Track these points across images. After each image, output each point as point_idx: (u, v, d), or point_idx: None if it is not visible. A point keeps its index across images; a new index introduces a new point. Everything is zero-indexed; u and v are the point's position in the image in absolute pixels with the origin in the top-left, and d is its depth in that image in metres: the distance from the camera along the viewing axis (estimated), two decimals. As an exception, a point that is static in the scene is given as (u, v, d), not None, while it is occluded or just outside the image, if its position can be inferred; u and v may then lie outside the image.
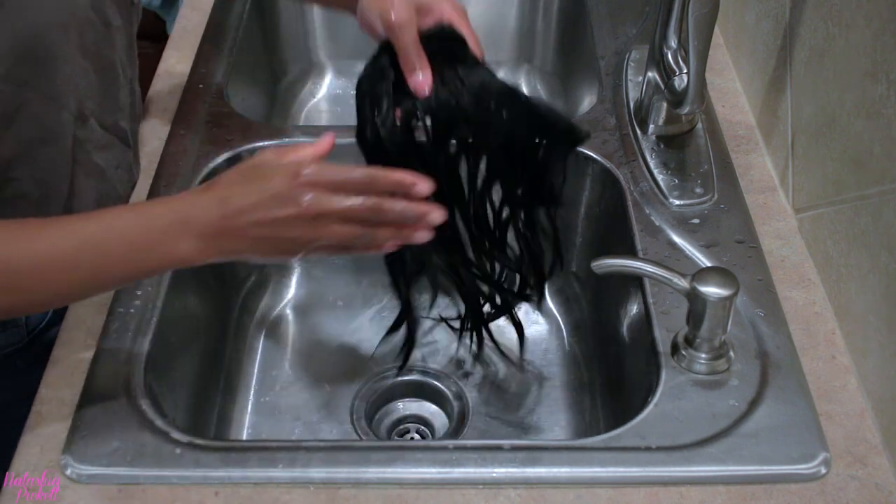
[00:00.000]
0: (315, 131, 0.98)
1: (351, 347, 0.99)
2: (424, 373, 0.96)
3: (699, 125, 0.95)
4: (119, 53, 0.84)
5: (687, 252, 0.84)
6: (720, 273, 0.71)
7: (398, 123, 0.73)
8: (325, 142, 0.68)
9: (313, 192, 0.64)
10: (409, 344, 0.89)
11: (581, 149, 0.94)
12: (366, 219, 0.66)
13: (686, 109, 0.84)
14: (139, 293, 0.80)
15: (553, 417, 0.93)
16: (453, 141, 0.76)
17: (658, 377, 0.74)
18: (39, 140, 0.76)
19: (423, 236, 0.68)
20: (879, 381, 0.72)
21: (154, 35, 1.48)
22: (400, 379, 0.95)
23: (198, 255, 0.64)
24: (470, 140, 0.76)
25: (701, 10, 0.77)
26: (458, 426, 0.93)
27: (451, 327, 0.95)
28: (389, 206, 0.66)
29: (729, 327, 0.73)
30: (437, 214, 0.68)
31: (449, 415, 0.95)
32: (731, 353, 0.75)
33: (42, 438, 0.70)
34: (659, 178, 0.90)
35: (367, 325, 1.02)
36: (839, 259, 0.79)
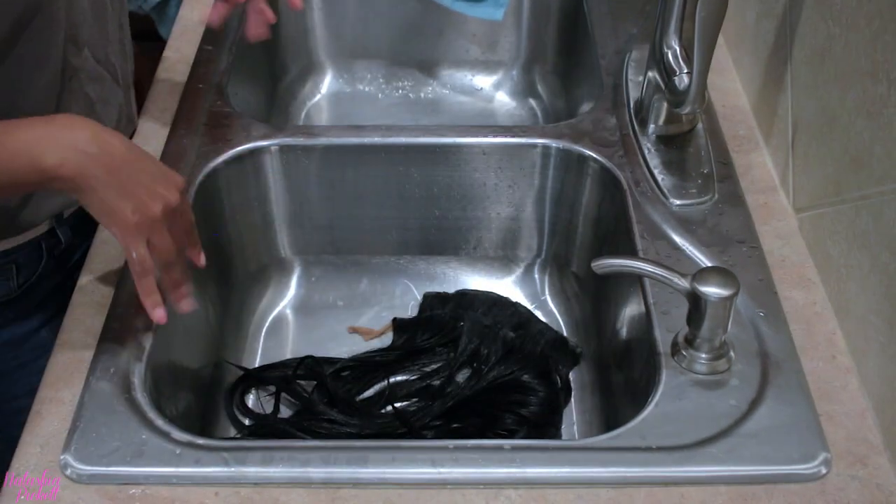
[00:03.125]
0: (315, 131, 0.98)
1: (351, 347, 0.99)
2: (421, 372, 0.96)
3: (699, 125, 0.95)
4: None
5: (687, 252, 0.84)
6: (720, 273, 0.71)
7: None
8: None
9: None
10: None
11: (581, 148, 0.95)
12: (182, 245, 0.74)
13: (687, 109, 0.84)
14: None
15: (553, 417, 0.93)
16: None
17: (658, 377, 0.74)
18: (35, 62, 0.77)
19: (179, 307, 0.76)
20: (880, 381, 0.72)
21: (154, 35, 1.48)
22: (398, 378, 0.95)
23: (58, 167, 0.66)
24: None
25: (708, 11, 0.77)
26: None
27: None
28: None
29: (729, 327, 0.73)
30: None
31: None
32: (732, 354, 0.75)
33: (42, 438, 0.70)
34: (659, 178, 0.90)
35: (366, 325, 1.02)
36: (840, 259, 0.79)
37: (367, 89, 1.32)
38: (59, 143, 0.66)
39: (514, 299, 1.02)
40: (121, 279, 0.82)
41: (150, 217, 0.68)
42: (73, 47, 0.82)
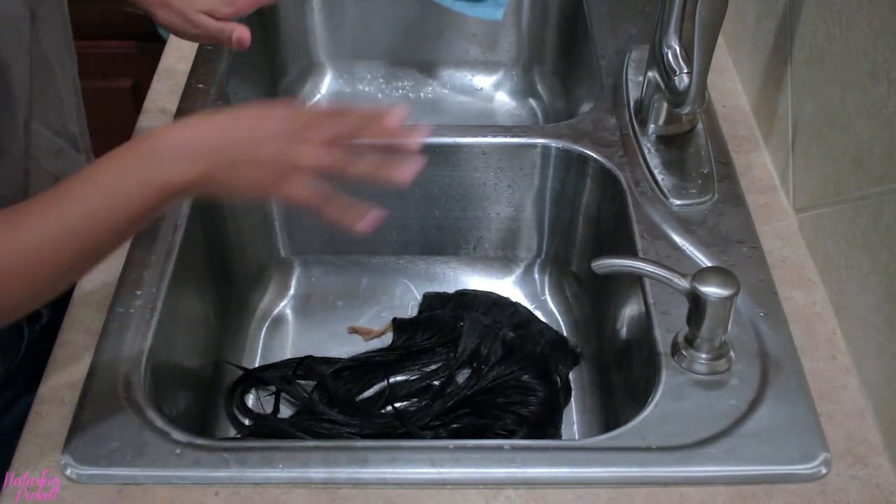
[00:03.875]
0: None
1: (350, 347, 0.99)
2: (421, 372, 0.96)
3: (699, 125, 0.95)
4: (51, 48, 0.79)
5: (687, 252, 0.84)
6: (720, 273, 0.71)
7: None
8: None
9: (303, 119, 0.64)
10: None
11: (581, 148, 0.95)
12: (350, 138, 0.65)
13: (687, 109, 0.84)
14: (139, 293, 0.80)
15: (553, 417, 0.93)
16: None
17: (658, 377, 0.74)
18: None
19: (403, 175, 0.66)
20: (880, 382, 0.72)
21: (154, 35, 1.48)
22: (398, 378, 0.95)
23: (183, 176, 0.61)
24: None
25: (708, 10, 0.77)
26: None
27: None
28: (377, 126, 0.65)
29: (729, 327, 0.73)
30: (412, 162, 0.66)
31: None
32: (732, 354, 0.75)
33: (42, 438, 0.70)
34: (659, 178, 0.90)
35: (366, 325, 1.02)
36: (840, 259, 0.79)
37: (367, 89, 1.32)
38: (164, 160, 0.60)
39: (514, 299, 1.02)
40: (120, 279, 0.82)
41: (294, 168, 0.62)
42: (24, 126, 0.75)
